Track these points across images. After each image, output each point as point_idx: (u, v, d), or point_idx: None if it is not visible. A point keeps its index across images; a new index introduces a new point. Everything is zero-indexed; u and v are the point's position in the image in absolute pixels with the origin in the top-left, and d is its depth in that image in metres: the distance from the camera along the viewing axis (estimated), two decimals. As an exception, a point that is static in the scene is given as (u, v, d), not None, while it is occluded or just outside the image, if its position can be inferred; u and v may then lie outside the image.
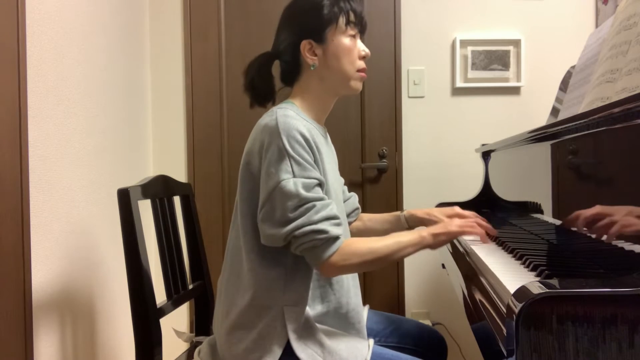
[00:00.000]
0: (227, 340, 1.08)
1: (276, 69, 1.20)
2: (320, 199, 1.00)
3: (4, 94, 1.16)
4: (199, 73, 2.22)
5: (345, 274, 1.12)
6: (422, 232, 1.06)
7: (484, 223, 1.16)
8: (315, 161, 1.05)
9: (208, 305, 1.48)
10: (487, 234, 1.17)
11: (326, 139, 1.22)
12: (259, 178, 1.03)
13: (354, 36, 1.14)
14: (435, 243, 1.06)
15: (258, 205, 1.04)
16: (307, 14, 1.13)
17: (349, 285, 1.14)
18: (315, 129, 1.13)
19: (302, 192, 0.98)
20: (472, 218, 1.19)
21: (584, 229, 0.96)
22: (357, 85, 1.17)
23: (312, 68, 1.13)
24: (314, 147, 1.04)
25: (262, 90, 1.18)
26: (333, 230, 0.99)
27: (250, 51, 2.22)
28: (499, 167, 1.73)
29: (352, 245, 1.01)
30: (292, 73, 1.17)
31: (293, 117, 1.04)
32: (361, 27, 1.16)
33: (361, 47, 1.16)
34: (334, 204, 1.03)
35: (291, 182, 0.98)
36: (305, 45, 1.12)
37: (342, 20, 1.12)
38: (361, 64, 1.15)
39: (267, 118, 1.06)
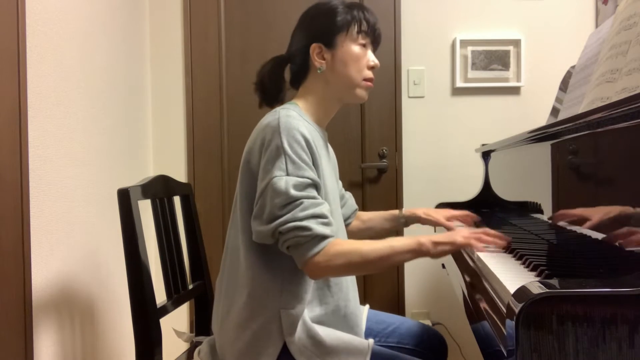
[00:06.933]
0: (225, 339, 1.08)
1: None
2: (310, 198, 0.99)
3: (4, 94, 1.16)
4: (199, 73, 2.22)
5: (332, 276, 1.09)
6: (421, 239, 1.00)
7: (492, 232, 1.07)
8: (314, 163, 1.04)
9: (208, 305, 1.48)
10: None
11: (326, 142, 1.22)
12: (258, 176, 1.04)
13: (364, 45, 1.15)
14: (436, 252, 1.00)
15: None
16: (320, 19, 1.15)
17: (348, 288, 1.14)
18: (316, 132, 1.13)
19: (291, 190, 0.97)
20: (479, 230, 1.08)
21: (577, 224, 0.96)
22: (362, 93, 1.17)
23: (318, 71, 1.14)
24: (314, 149, 1.04)
25: (271, 91, 1.19)
26: (317, 228, 0.96)
27: (250, 51, 2.23)
28: (499, 167, 1.73)
29: (338, 246, 0.97)
30: (300, 75, 1.18)
31: (295, 117, 1.04)
32: (374, 37, 1.17)
33: (371, 58, 1.17)
34: (327, 205, 1.02)
35: (283, 180, 0.98)
36: (314, 48, 1.14)
37: (353, 28, 1.13)
38: (368, 73, 1.16)
39: (270, 117, 1.06)
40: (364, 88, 1.16)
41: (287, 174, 0.99)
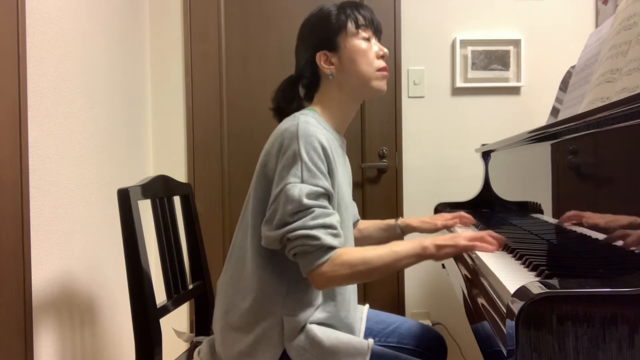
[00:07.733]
0: (223, 340, 1.08)
1: None
2: (322, 207, 0.98)
3: (4, 94, 1.16)
4: (199, 73, 2.22)
5: (337, 286, 1.09)
6: (424, 242, 1.00)
7: (495, 234, 1.05)
8: (330, 172, 1.04)
9: (208, 305, 1.48)
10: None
11: (344, 151, 1.21)
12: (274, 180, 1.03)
13: (368, 39, 1.15)
14: (439, 255, 0.99)
15: None
16: (317, 27, 1.16)
17: (350, 299, 1.14)
18: (334, 139, 1.13)
19: (304, 198, 0.96)
20: (482, 233, 1.05)
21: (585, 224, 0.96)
22: (380, 84, 1.16)
23: (330, 77, 1.14)
24: (331, 158, 1.04)
25: (287, 112, 1.19)
26: (326, 238, 0.96)
27: (250, 51, 2.22)
28: (499, 167, 1.73)
29: (344, 256, 0.97)
30: (312, 87, 1.18)
31: (314, 124, 1.04)
32: (374, 28, 1.17)
33: (378, 47, 1.16)
34: (337, 215, 1.01)
35: (297, 188, 0.97)
36: (320, 56, 1.14)
37: (351, 25, 1.13)
38: (380, 63, 1.15)
39: (288, 122, 1.06)
40: (380, 78, 1.16)
41: (302, 182, 0.98)
